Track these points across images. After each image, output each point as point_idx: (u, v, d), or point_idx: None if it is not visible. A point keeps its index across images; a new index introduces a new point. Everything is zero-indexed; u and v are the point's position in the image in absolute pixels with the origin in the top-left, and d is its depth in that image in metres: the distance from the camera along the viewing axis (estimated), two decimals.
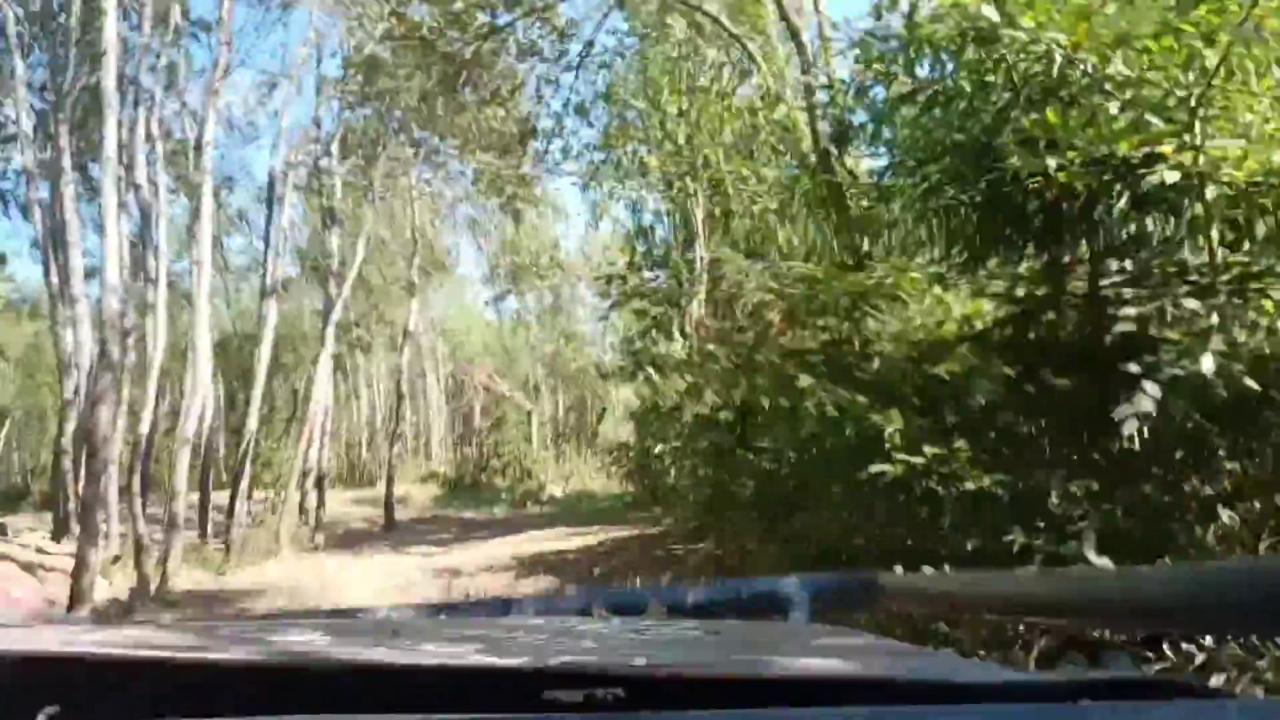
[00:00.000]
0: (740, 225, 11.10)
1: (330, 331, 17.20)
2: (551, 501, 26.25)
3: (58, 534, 15.28)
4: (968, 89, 4.86)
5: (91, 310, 14.42)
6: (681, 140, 12.33)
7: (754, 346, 7.12)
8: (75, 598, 10.85)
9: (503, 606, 1.23)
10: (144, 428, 14.43)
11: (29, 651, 0.76)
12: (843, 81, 6.81)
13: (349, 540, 17.88)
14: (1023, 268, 5.48)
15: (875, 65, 5.27)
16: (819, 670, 0.72)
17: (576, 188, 16.58)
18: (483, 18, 12.68)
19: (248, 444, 16.14)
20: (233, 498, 15.53)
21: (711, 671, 0.68)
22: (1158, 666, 3.10)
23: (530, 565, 10.87)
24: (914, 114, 5.33)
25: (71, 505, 14.77)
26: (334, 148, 17.53)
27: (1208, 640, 3.10)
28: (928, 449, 4.58)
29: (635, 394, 15.69)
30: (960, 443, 4.64)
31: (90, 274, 15.54)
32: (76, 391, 15.16)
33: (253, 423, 16.09)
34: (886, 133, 6.21)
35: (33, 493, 25.56)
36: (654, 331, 15.87)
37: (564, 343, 35.55)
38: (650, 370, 12.98)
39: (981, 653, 3.57)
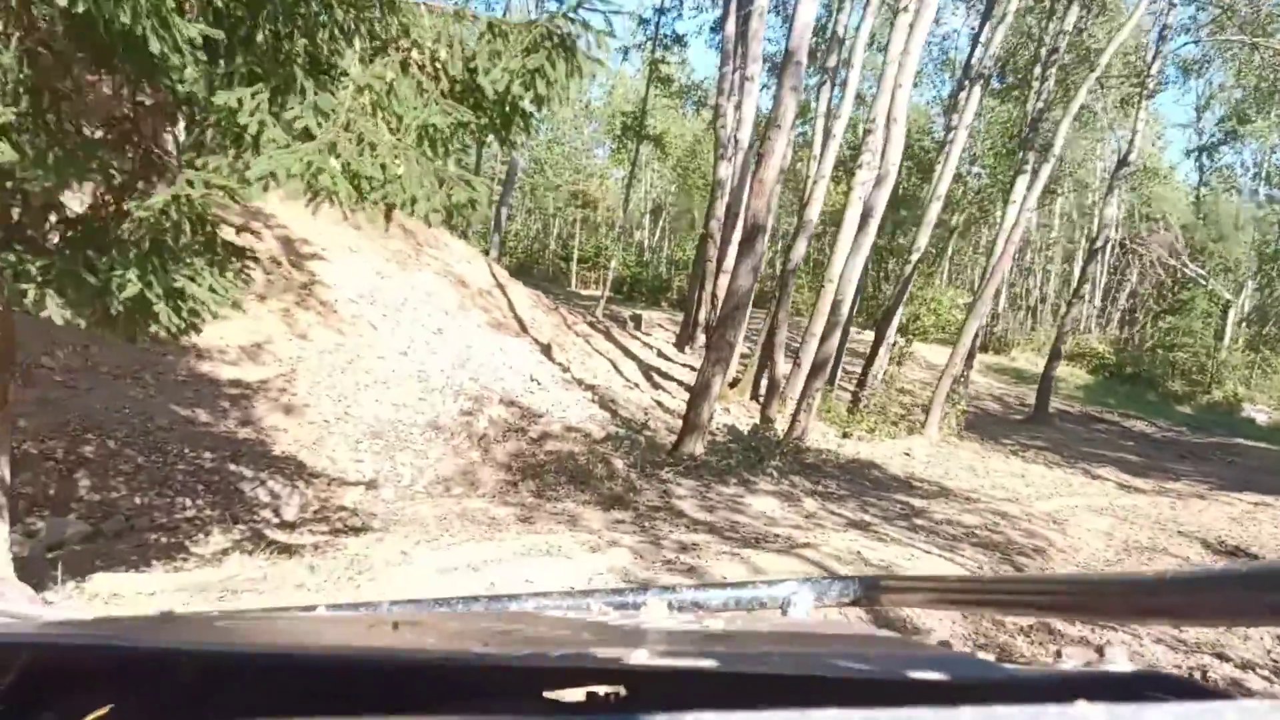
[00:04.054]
0: None
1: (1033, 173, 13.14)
2: (1251, 428, 19.32)
3: (681, 341, 14.43)
4: None
5: (758, 95, 12.68)
6: None
7: None
8: (690, 425, 9.11)
9: (502, 601, 1.12)
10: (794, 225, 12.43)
11: (33, 638, 0.72)
12: None
13: (990, 424, 14.33)
14: None
15: None
16: (819, 670, 0.67)
17: None
18: None
19: (904, 284, 13.17)
20: (875, 347, 12.81)
21: (711, 670, 0.64)
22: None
23: None
24: None
25: (702, 314, 13.54)
26: None
27: None
28: None
29: None
30: None
31: (768, 60, 14.20)
32: (725, 178, 13.56)
33: (913, 259, 12.98)
34: None
35: (673, 289, 26.66)
36: None
37: None
38: None
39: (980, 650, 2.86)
